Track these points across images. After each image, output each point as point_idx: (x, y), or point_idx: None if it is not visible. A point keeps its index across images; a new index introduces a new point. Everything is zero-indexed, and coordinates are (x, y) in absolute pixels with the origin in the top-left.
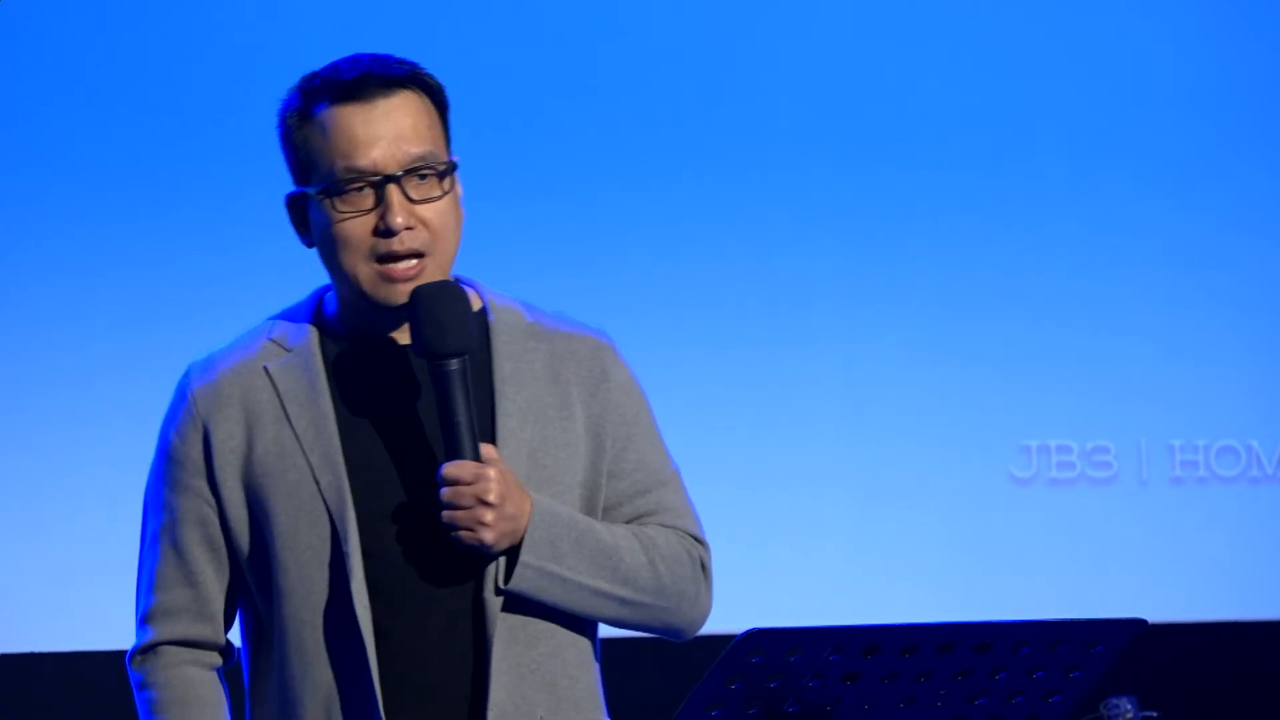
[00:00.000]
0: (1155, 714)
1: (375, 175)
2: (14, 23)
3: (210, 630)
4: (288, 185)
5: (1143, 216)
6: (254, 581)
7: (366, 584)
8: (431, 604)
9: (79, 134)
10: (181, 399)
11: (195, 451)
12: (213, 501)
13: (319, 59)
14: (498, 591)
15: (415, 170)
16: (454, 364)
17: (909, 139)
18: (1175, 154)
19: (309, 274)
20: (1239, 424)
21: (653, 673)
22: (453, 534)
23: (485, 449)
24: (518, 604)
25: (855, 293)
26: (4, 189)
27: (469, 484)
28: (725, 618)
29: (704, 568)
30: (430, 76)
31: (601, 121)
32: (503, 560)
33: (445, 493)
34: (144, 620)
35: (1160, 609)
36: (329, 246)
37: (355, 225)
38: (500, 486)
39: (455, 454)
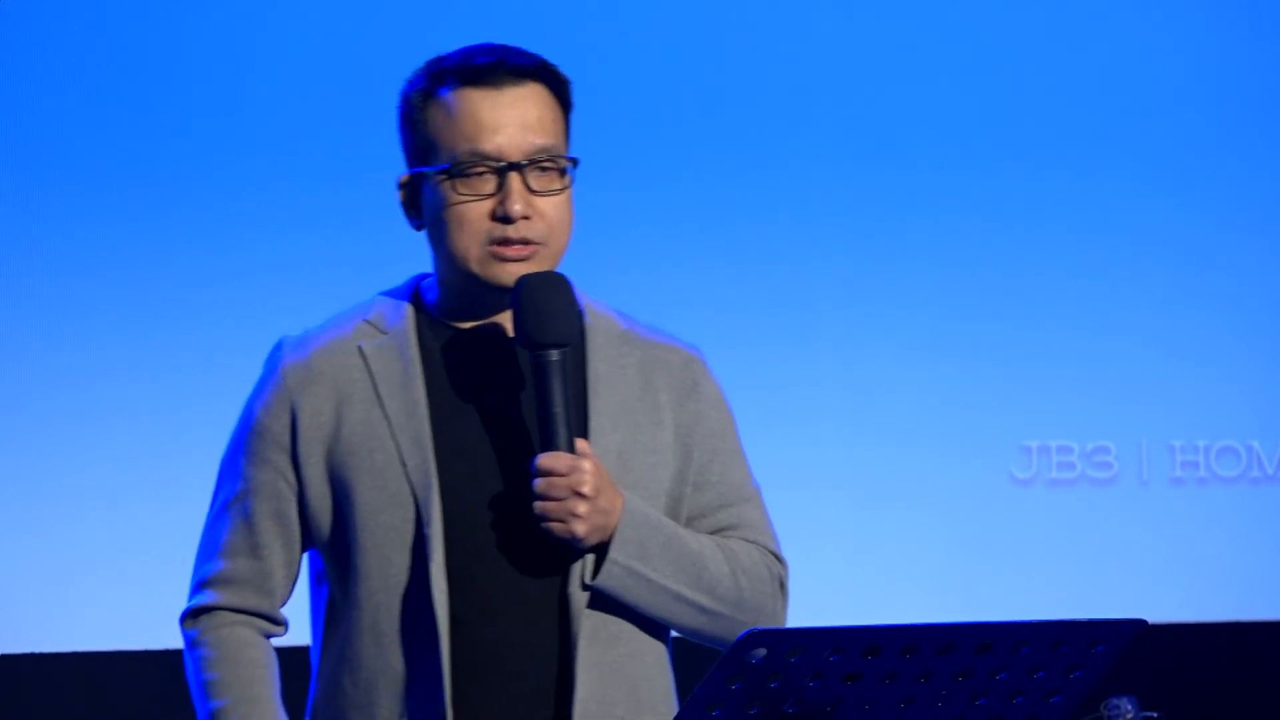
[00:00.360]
0: (1155, 714)
1: (499, 161)
2: (14, 22)
3: (268, 604)
4: (290, 186)
5: (1143, 216)
6: (331, 561)
7: (446, 570)
8: (512, 595)
9: (79, 134)
10: (272, 373)
11: (280, 426)
12: (292, 479)
13: (319, 58)
14: (584, 587)
15: (537, 161)
16: (554, 354)
17: (909, 139)
18: (1175, 154)
19: (308, 273)
20: (1239, 424)
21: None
22: (543, 524)
23: (580, 443)
24: (601, 603)
25: (855, 293)
26: (4, 189)
27: (564, 475)
28: None
29: (782, 585)
30: (559, 72)
31: (601, 121)
32: (589, 556)
33: (539, 483)
34: (203, 584)
35: (1160, 609)
36: (442, 227)
37: (473, 208)
38: (595, 480)
39: (550, 445)
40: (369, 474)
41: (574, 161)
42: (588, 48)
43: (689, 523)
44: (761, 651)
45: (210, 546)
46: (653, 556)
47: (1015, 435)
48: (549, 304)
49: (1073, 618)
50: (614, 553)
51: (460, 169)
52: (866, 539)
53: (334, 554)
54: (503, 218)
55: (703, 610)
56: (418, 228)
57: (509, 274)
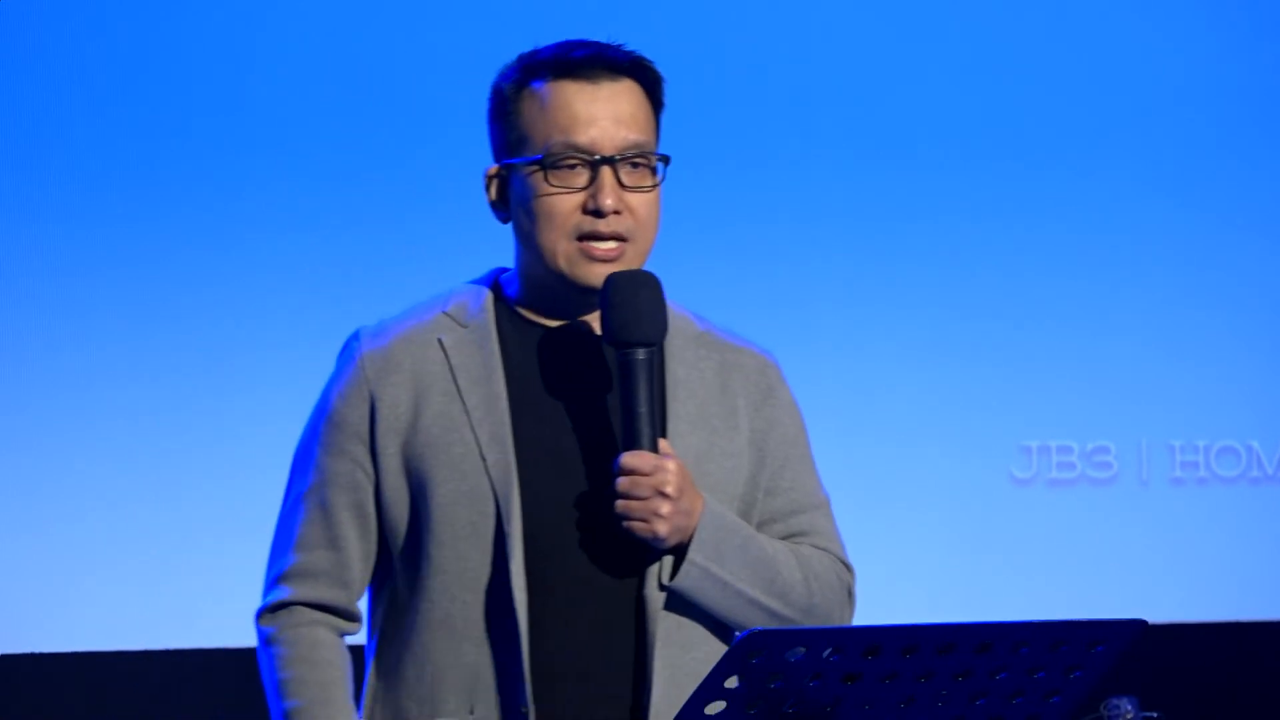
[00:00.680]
0: (1155, 714)
1: (592, 154)
2: (14, 22)
3: (346, 597)
4: (290, 186)
5: (1143, 216)
6: (402, 553)
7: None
8: (589, 594)
9: (79, 134)
10: (349, 362)
11: (359, 417)
12: (370, 469)
13: (319, 58)
14: (660, 588)
15: (630, 157)
16: (641, 353)
17: (909, 139)
18: (1175, 154)
19: (308, 274)
20: (1239, 424)
21: None
22: (625, 523)
23: (662, 443)
24: (677, 605)
25: (855, 293)
26: (4, 189)
27: (647, 474)
28: None
29: (850, 594)
30: (654, 70)
31: None
32: (667, 558)
33: (622, 481)
34: (280, 579)
35: (1160, 609)
36: (530, 220)
37: (564, 200)
38: (679, 480)
39: (633, 444)
40: (446, 467)
41: (665, 159)
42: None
43: (759, 528)
44: (762, 652)
45: (286, 539)
46: (729, 559)
47: (1015, 435)
48: (638, 302)
49: (1073, 618)
50: (693, 553)
51: (553, 160)
52: (866, 539)
53: (406, 545)
54: (594, 211)
55: (774, 615)
56: (504, 220)
57: (596, 275)
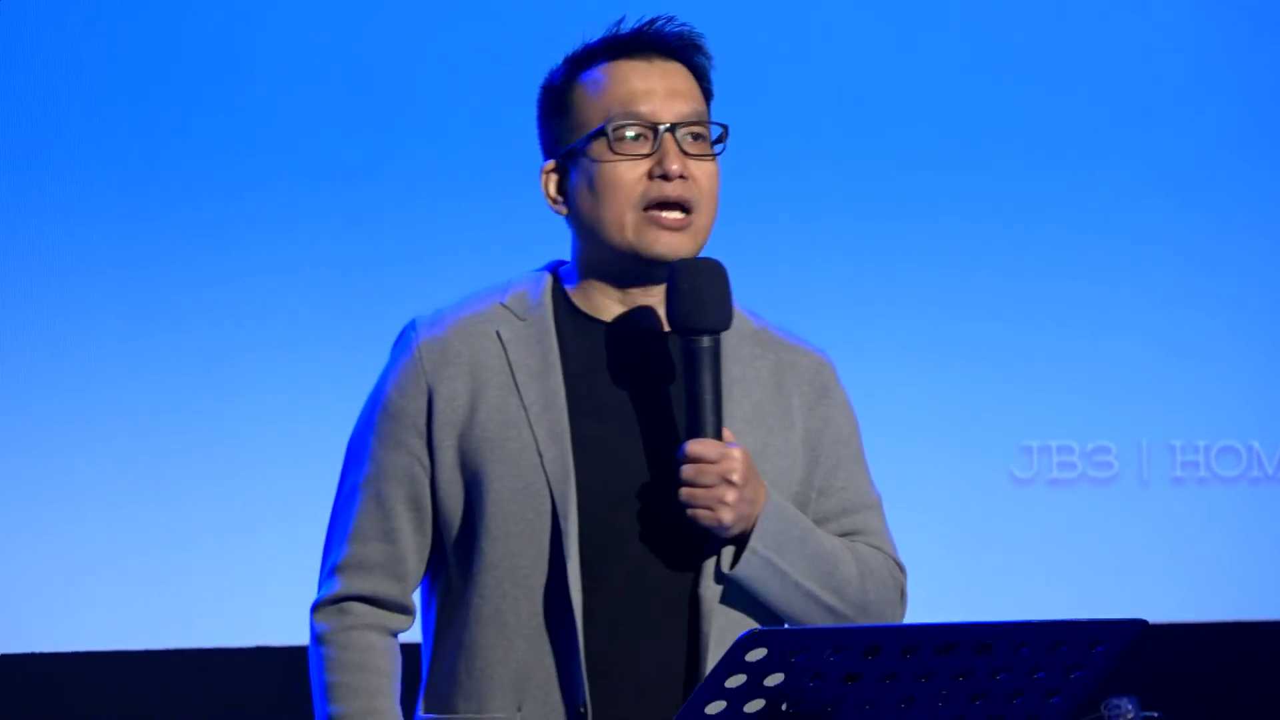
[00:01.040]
0: (1155, 714)
1: (653, 123)
2: (14, 22)
3: (400, 590)
4: (290, 186)
5: (1143, 216)
6: (455, 547)
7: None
8: (643, 593)
9: (78, 134)
10: (406, 352)
11: (416, 408)
12: (426, 462)
13: (319, 58)
14: (718, 579)
15: (689, 126)
16: (706, 341)
17: (909, 139)
18: (1175, 154)
19: (308, 274)
20: (1240, 424)
21: None
22: (689, 511)
23: (726, 433)
24: (732, 603)
25: (855, 293)
26: (3, 188)
27: (713, 462)
28: None
29: (903, 594)
30: (701, 57)
31: None
32: (723, 552)
33: (688, 469)
34: (335, 571)
35: (1160, 609)
36: (595, 196)
37: (629, 169)
38: (745, 468)
39: (698, 432)
40: (502, 462)
41: (725, 131)
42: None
43: None
44: (762, 651)
45: (341, 530)
46: (789, 550)
47: (1015, 435)
48: (705, 289)
49: (1073, 618)
50: (754, 542)
51: (615, 130)
52: None
53: (460, 540)
54: (661, 176)
55: (830, 610)
56: (564, 213)
57: (664, 244)
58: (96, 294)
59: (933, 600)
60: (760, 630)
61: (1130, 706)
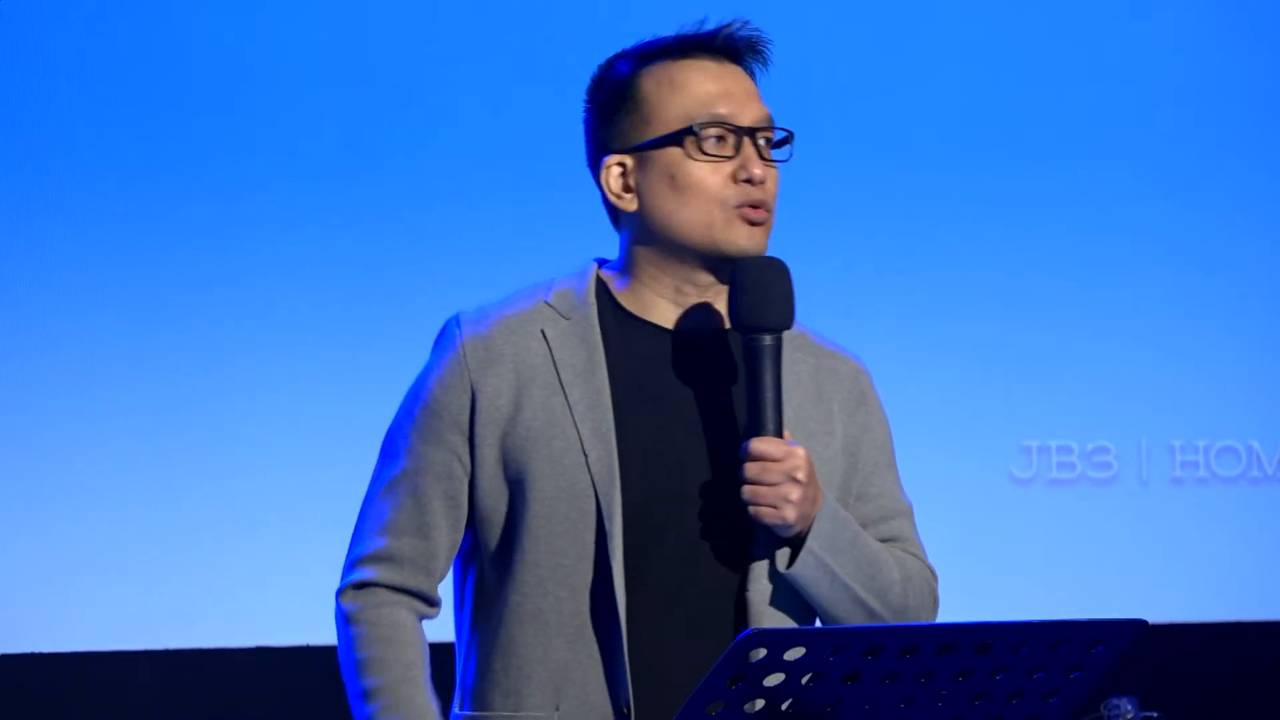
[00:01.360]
0: (1155, 714)
1: (735, 126)
2: (14, 22)
3: (429, 584)
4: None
5: (1143, 216)
6: (495, 545)
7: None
8: (688, 595)
9: (79, 134)
10: (450, 348)
11: (459, 406)
12: (466, 460)
13: (319, 58)
14: (771, 578)
15: (764, 130)
16: (768, 339)
17: (909, 139)
18: (1175, 154)
19: (308, 273)
20: (1239, 424)
21: None
22: (752, 509)
23: (785, 433)
24: (779, 602)
25: (855, 293)
26: (3, 188)
27: (778, 460)
28: None
29: (936, 600)
30: (765, 60)
31: None
32: (778, 552)
33: (752, 467)
34: (365, 559)
35: (1160, 609)
36: (677, 196)
37: (713, 171)
38: (809, 467)
39: (758, 430)
40: (547, 461)
41: (790, 136)
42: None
43: None
44: (762, 651)
45: (374, 521)
46: (841, 552)
47: (1015, 435)
48: (769, 288)
49: (1073, 618)
50: (811, 542)
51: (701, 133)
52: None
53: (501, 539)
54: (746, 180)
55: (871, 614)
56: (628, 210)
57: (745, 239)
58: (97, 294)
59: None
60: (760, 630)
61: (1130, 706)
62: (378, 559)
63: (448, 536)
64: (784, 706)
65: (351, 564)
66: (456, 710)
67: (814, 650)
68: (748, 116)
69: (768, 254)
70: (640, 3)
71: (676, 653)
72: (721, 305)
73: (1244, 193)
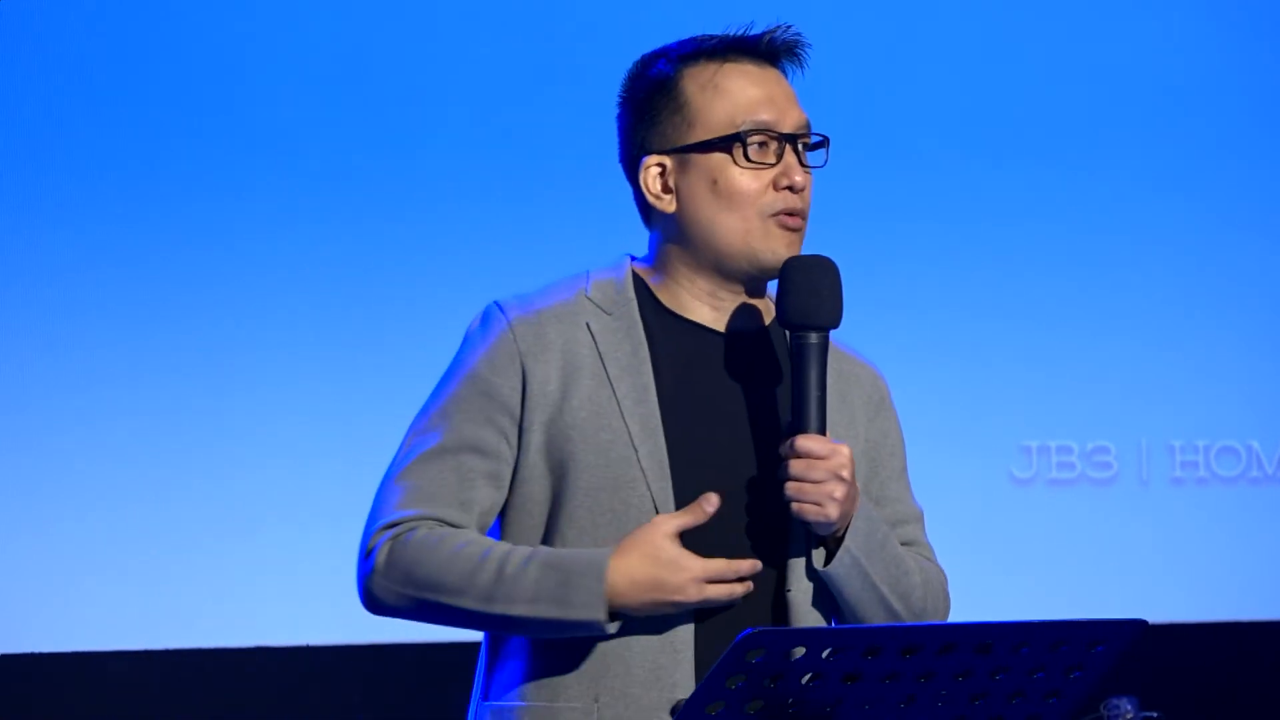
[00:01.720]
0: (1155, 714)
1: (779, 133)
2: (14, 22)
3: None
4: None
5: (1143, 216)
6: (526, 532)
7: None
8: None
9: (78, 134)
10: (499, 327)
11: (510, 389)
12: (514, 443)
13: (320, 59)
14: (809, 574)
15: (803, 137)
16: (814, 338)
17: (909, 139)
18: (1175, 153)
19: (308, 273)
20: (1239, 424)
21: None
22: (795, 506)
23: (829, 434)
24: (817, 601)
25: (855, 293)
26: (3, 189)
27: (824, 458)
28: None
29: (949, 604)
30: (801, 64)
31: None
32: (814, 551)
33: (798, 464)
34: (395, 521)
35: (1160, 609)
36: (718, 200)
37: (758, 178)
38: (853, 466)
39: (803, 428)
40: (593, 453)
41: (825, 141)
42: (585, 47)
43: None
44: (761, 651)
45: (406, 492)
46: (874, 552)
47: (1015, 435)
48: (820, 286)
49: (1073, 618)
50: (849, 541)
51: (747, 139)
52: None
53: (536, 525)
54: (788, 187)
55: (893, 615)
56: (672, 210)
57: (784, 244)
58: (97, 294)
59: None
60: (760, 630)
61: (1130, 706)
62: (416, 519)
63: (484, 518)
64: (784, 706)
65: (378, 529)
66: (482, 700)
67: (814, 650)
68: (789, 122)
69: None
70: (641, 3)
71: (714, 648)
72: (758, 304)
73: (1244, 192)
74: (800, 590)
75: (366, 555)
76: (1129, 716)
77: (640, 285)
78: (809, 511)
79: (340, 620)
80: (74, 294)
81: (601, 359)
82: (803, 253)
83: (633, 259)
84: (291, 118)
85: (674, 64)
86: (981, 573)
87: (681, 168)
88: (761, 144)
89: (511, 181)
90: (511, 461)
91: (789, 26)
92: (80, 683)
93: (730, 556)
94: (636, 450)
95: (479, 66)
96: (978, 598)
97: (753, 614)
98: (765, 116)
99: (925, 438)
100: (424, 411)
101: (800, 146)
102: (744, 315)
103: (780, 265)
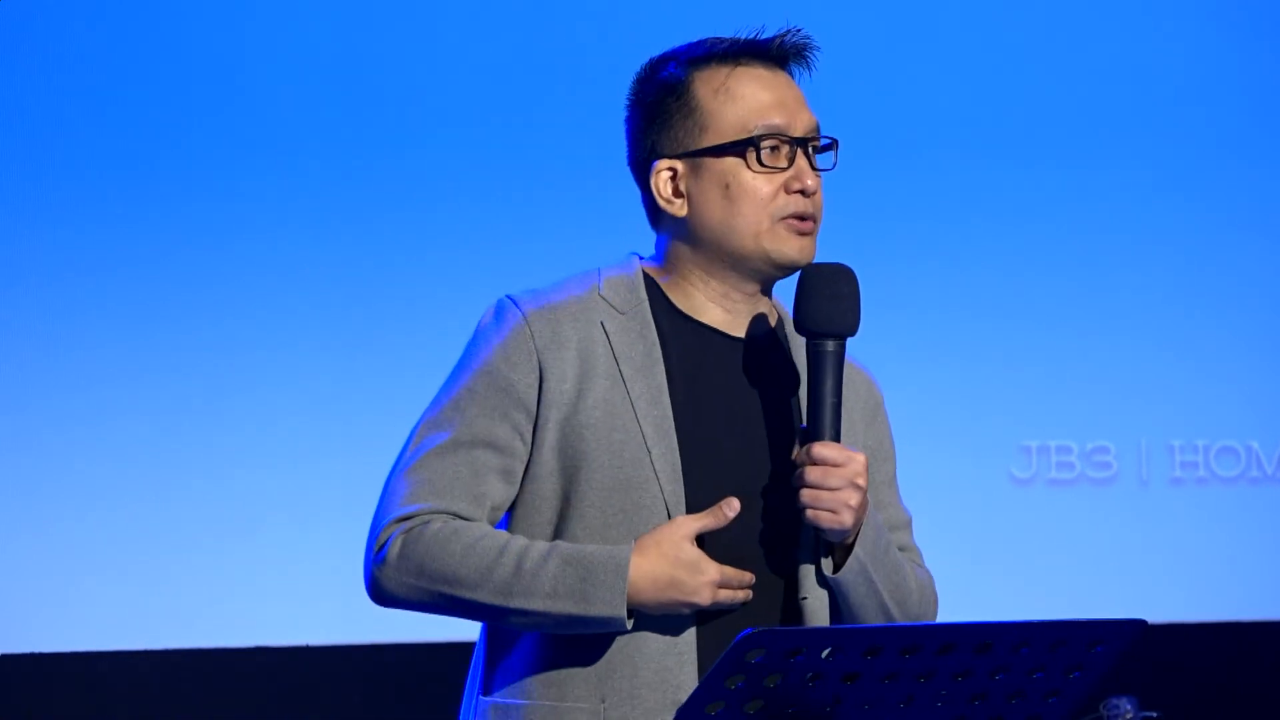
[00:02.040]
0: (1155, 714)
1: (791, 136)
2: (14, 22)
3: None
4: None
5: (1143, 216)
6: (534, 529)
7: None
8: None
9: (78, 134)
10: (514, 321)
11: (526, 385)
12: (528, 440)
13: (320, 59)
14: (819, 581)
15: (814, 140)
16: (830, 345)
17: (909, 139)
18: (1176, 154)
19: (307, 273)
20: (1239, 424)
21: None
22: (810, 512)
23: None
24: (827, 607)
25: None
26: (3, 189)
27: (840, 465)
28: None
29: (937, 609)
30: (809, 67)
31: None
32: (823, 559)
33: (814, 471)
34: (405, 516)
35: (1160, 609)
36: (729, 203)
37: (770, 181)
38: (867, 474)
39: (818, 435)
40: (606, 452)
41: (835, 143)
42: (584, 46)
43: None
44: (761, 651)
45: (416, 485)
46: (878, 558)
47: (1015, 435)
48: (839, 293)
49: (1072, 618)
50: (858, 548)
51: (759, 143)
52: None
53: (545, 522)
54: (799, 191)
55: (890, 620)
56: (684, 214)
57: (796, 248)
58: (97, 294)
59: None
60: (760, 630)
61: (1130, 706)
62: (430, 511)
63: (495, 513)
64: (784, 707)
65: (390, 521)
66: (481, 696)
67: (814, 650)
68: (800, 126)
69: (835, 261)
70: (643, 3)
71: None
72: (767, 308)
73: (1244, 192)
74: (816, 597)
75: (378, 549)
76: (1129, 716)
77: (651, 286)
78: (824, 519)
79: (340, 620)
80: (74, 294)
81: (616, 359)
82: (815, 257)
83: (640, 258)
84: (291, 118)
85: (684, 67)
86: (981, 573)
87: (693, 172)
88: (774, 148)
89: (511, 181)
90: (524, 458)
91: (799, 30)
92: (80, 683)
93: (740, 560)
94: (650, 451)
95: (479, 66)
96: (978, 598)
97: (762, 619)
98: (777, 120)
99: (925, 438)
100: (435, 404)
101: (811, 150)
102: (757, 320)
103: (800, 264)
